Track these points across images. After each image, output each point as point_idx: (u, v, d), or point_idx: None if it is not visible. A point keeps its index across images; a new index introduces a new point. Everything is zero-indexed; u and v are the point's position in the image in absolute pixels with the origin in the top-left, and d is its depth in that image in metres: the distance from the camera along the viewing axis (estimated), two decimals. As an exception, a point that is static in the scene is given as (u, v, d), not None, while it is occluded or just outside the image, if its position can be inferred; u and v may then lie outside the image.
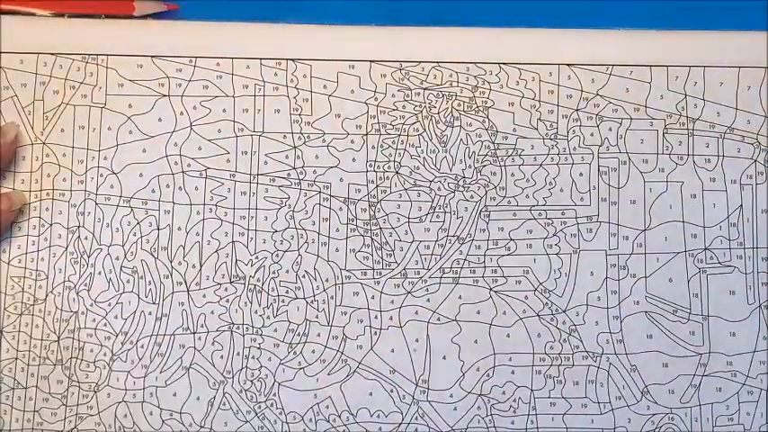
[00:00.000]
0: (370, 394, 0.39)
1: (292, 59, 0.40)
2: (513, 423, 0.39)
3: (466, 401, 0.39)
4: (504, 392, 0.39)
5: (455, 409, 0.39)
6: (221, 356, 0.39)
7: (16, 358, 0.39)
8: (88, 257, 0.39)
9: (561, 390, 0.39)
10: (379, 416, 0.39)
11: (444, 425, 0.39)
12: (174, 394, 0.39)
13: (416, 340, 0.39)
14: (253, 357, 0.39)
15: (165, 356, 0.39)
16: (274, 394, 0.39)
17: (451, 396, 0.39)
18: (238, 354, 0.39)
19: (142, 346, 0.39)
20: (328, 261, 0.40)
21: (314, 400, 0.39)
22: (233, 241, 0.40)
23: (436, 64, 0.40)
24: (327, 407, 0.39)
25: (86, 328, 0.39)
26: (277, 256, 0.40)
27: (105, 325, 0.39)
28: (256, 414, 0.39)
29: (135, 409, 0.39)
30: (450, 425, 0.39)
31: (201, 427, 0.39)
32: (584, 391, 0.39)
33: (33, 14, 0.41)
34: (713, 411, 0.39)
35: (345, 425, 0.39)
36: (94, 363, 0.39)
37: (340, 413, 0.39)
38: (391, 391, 0.39)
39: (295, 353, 0.39)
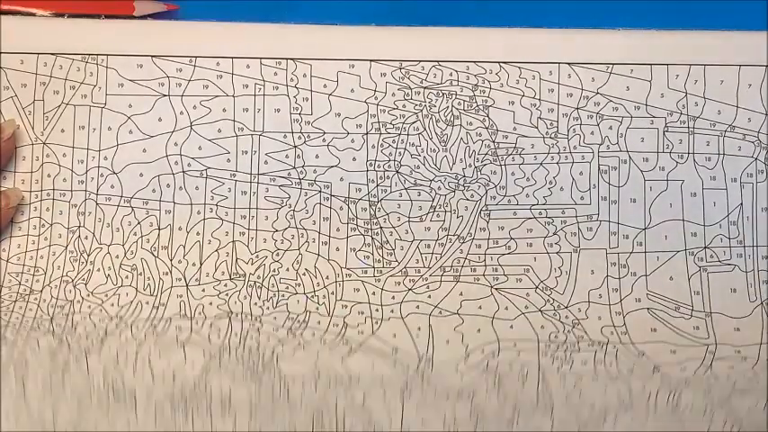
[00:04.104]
0: (372, 366, 0.38)
1: (292, 59, 0.40)
2: (523, 385, 0.37)
3: (472, 373, 0.38)
4: (511, 367, 0.38)
5: (462, 378, 0.38)
6: (218, 336, 0.38)
7: (6, 325, 0.38)
8: (88, 256, 0.39)
9: (570, 366, 0.38)
10: (382, 381, 0.38)
11: (451, 389, 0.38)
12: (168, 362, 0.38)
13: (419, 328, 0.39)
14: (251, 338, 0.38)
15: (161, 335, 0.38)
16: (273, 366, 0.38)
17: (457, 369, 0.38)
18: (236, 334, 0.38)
19: (137, 327, 0.38)
20: (329, 260, 0.40)
21: (314, 368, 0.38)
22: (233, 241, 0.40)
23: (436, 63, 0.40)
24: (328, 373, 0.38)
25: (80, 312, 0.39)
26: (277, 255, 0.40)
27: (101, 311, 0.39)
28: (252, 376, 0.38)
29: (127, 372, 0.37)
30: (456, 388, 0.38)
31: (195, 386, 0.37)
32: (594, 368, 0.38)
33: (33, 15, 0.41)
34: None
35: (348, 386, 0.38)
36: (86, 337, 0.38)
37: (342, 375, 0.38)
38: (394, 363, 0.38)
39: (295, 336, 0.39)
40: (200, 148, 0.40)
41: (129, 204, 0.40)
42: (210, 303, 0.39)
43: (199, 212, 0.40)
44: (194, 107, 0.40)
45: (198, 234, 0.40)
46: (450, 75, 0.40)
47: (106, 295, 0.39)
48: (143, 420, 0.36)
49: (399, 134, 0.40)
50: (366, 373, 0.38)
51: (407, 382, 0.37)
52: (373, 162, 0.40)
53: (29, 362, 0.37)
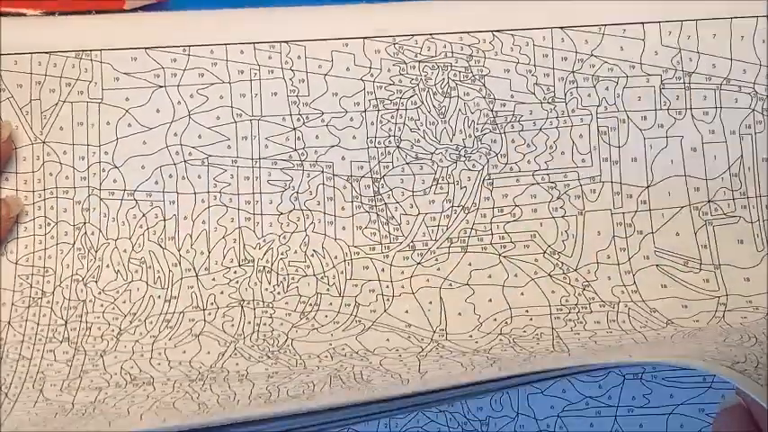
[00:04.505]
0: (387, 340, 0.38)
1: (285, 41, 0.40)
2: (538, 342, 0.37)
3: (486, 338, 0.38)
4: (525, 331, 0.38)
5: (476, 342, 0.38)
6: (232, 325, 0.38)
7: (22, 341, 0.38)
8: (96, 252, 0.39)
9: (583, 326, 0.38)
10: (398, 350, 0.38)
11: (467, 349, 0.37)
12: (184, 352, 0.38)
13: (430, 302, 0.39)
14: (264, 324, 0.38)
15: (175, 329, 0.38)
16: (288, 346, 0.38)
17: (471, 336, 0.38)
18: (249, 322, 0.38)
19: (151, 323, 0.38)
20: (336, 239, 0.40)
21: (329, 346, 0.38)
22: (239, 227, 0.40)
23: (429, 36, 0.40)
24: (344, 349, 0.38)
25: (94, 312, 0.39)
26: (284, 238, 0.40)
27: (114, 309, 0.39)
28: (269, 357, 0.37)
29: (143, 363, 0.37)
30: (472, 348, 0.37)
31: (211, 369, 0.37)
32: (608, 326, 0.38)
33: (24, 15, 0.41)
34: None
35: (363, 356, 0.37)
36: (102, 337, 0.38)
37: (357, 351, 0.38)
38: (408, 337, 0.38)
39: (308, 318, 0.39)
40: (199, 136, 0.40)
41: (132, 197, 0.40)
42: (222, 293, 0.39)
43: (203, 201, 0.40)
44: (191, 96, 0.40)
45: (204, 222, 0.40)
46: (444, 47, 0.40)
47: (117, 292, 0.39)
48: (160, 391, 0.36)
49: (397, 109, 0.40)
50: (381, 345, 0.38)
51: (423, 348, 0.37)
52: (373, 139, 0.40)
53: (46, 375, 0.37)
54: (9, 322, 0.38)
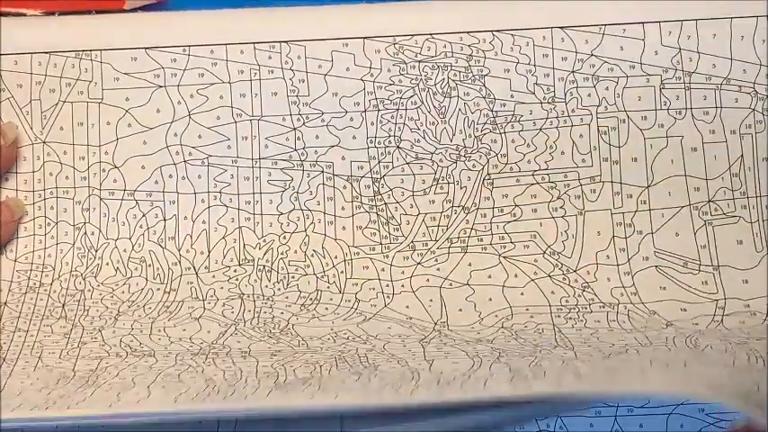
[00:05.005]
0: (389, 328, 0.38)
1: (285, 41, 0.40)
2: (540, 335, 0.37)
3: (489, 330, 0.37)
4: (526, 326, 0.38)
5: (478, 333, 0.37)
6: (232, 312, 0.38)
7: (18, 317, 0.38)
8: (95, 251, 0.39)
9: (584, 324, 0.38)
10: (400, 336, 0.37)
11: (470, 339, 0.37)
12: (184, 330, 0.37)
13: (430, 300, 0.39)
14: (265, 312, 0.38)
15: (174, 313, 0.38)
16: (289, 329, 0.37)
17: (473, 328, 0.38)
18: (249, 311, 0.38)
19: (149, 308, 0.38)
20: (336, 239, 0.40)
21: (331, 331, 0.37)
22: (239, 227, 0.40)
23: (429, 36, 0.40)
24: (345, 333, 0.37)
25: (92, 299, 0.38)
26: (284, 237, 0.40)
27: (112, 297, 0.39)
28: (271, 337, 0.37)
29: (142, 338, 0.37)
30: (475, 338, 0.37)
31: (213, 344, 0.37)
32: (608, 325, 0.38)
33: (24, 15, 0.41)
34: None
35: (366, 340, 0.37)
36: (99, 317, 0.38)
37: (359, 335, 0.37)
38: (410, 326, 0.38)
39: (308, 310, 0.38)
40: (199, 136, 0.40)
41: (132, 197, 0.40)
42: (222, 288, 0.39)
43: (203, 201, 0.40)
44: (191, 96, 0.40)
45: (204, 222, 0.40)
46: (444, 47, 0.40)
47: (116, 284, 0.39)
48: (162, 363, 0.35)
49: (397, 109, 0.40)
50: (383, 332, 0.37)
51: (426, 336, 0.37)
52: (373, 139, 0.40)
53: (44, 344, 0.37)
54: (6, 303, 0.38)
